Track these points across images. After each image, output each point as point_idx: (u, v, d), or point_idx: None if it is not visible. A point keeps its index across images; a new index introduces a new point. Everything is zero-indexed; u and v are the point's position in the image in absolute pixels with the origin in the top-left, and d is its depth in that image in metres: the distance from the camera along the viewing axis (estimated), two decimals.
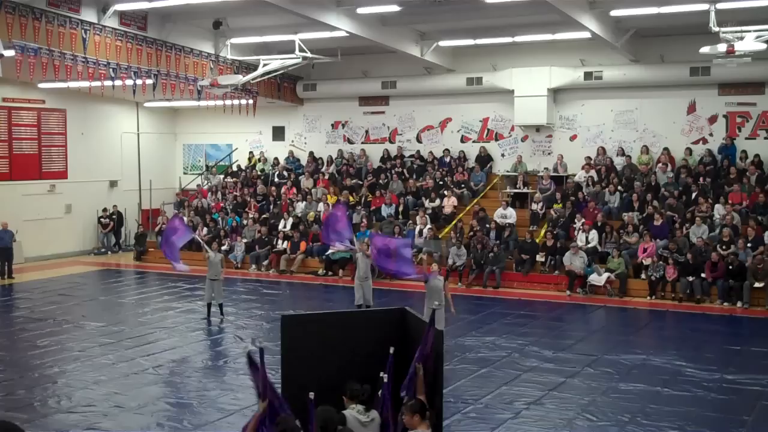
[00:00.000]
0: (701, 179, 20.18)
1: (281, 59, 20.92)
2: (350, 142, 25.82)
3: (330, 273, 20.97)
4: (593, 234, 19.36)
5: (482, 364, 12.34)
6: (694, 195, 19.78)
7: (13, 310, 17.10)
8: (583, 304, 17.72)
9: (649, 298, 17.88)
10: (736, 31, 15.69)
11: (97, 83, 18.89)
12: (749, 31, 15.62)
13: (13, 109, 23.12)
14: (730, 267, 17.28)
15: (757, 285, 16.92)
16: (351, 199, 23.27)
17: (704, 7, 16.11)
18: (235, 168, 27.37)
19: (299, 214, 23.14)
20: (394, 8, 17.75)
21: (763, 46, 15.62)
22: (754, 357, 13.02)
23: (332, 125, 26.10)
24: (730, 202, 19.16)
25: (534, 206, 21.21)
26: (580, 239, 19.34)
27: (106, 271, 22.50)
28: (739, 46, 15.52)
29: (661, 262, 18.05)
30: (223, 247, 21.89)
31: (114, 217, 25.46)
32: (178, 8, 18.91)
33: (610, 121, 22.29)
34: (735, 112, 20.91)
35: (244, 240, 22.61)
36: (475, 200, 22.39)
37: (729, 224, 18.35)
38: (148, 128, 27.62)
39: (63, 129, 24.56)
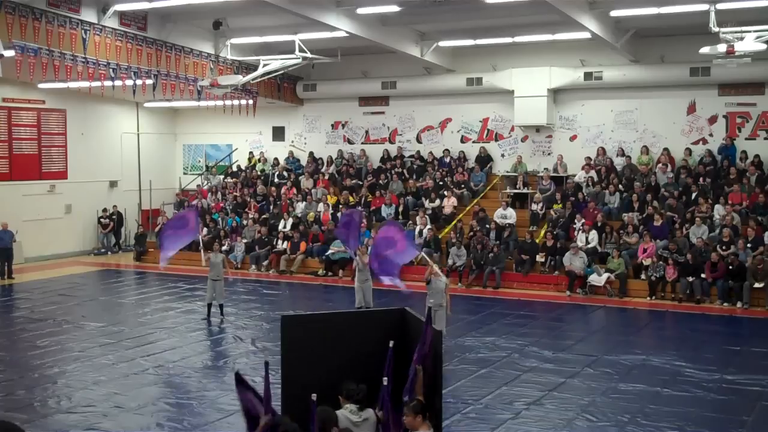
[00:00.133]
0: (701, 180, 20.19)
1: (281, 59, 20.92)
2: (350, 142, 25.82)
3: (330, 273, 20.98)
4: (593, 234, 19.37)
5: (482, 365, 12.34)
6: (694, 195, 19.78)
7: (13, 311, 17.10)
8: (582, 305, 17.72)
9: (649, 298, 17.88)
10: (736, 32, 15.70)
11: (97, 83, 18.90)
12: (749, 32, 15.63)
13: (13, 110, 23.13)
14: (730, 267, 17.29)
15: (756, 285, 16.92)
16: (351, 199, 23.27)
17: (704, 7, 16.11)
18: (235, 168, 27.37)
19: (299, 215, 23.15)
20: (394, 8, 17.76)
21: (763, 46, 15.62)
22: (753, 357, 13.03)
23: (332, 125, 26.10)
24: (730, 202, 19.16)
25: (534, 206, 21.21)
26: (580, 239, 19.34)
27: (106, 271, 22.50)
28: (739, 47, 15.52)
29: (661, 263, 18.05)
30: (224, 248, 21.87)
31: (114, 217, 25.47)
32: (178, 8, 18.92)
33: (610, 121, 22.30)
34: (735, 112, 20.92)
35: (244, 240, 22.61)
36: (475, 200, 22.39)
37: (729, 224, 18.36)
38: (148, 128, 27.63)
39: (63, 129, 24.56)
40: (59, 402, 10.58)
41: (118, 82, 19.15)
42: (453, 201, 22.19)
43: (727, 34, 15.69)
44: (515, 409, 10.22)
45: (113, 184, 26.15)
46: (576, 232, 19.67)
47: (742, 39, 15.60)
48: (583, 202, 20.76)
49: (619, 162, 21.81)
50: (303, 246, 21.85)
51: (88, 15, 18.05)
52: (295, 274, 21.37)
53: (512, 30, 20.16)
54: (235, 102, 23.10)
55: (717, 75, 19.87)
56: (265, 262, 21.99)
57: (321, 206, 23.32)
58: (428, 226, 20.99)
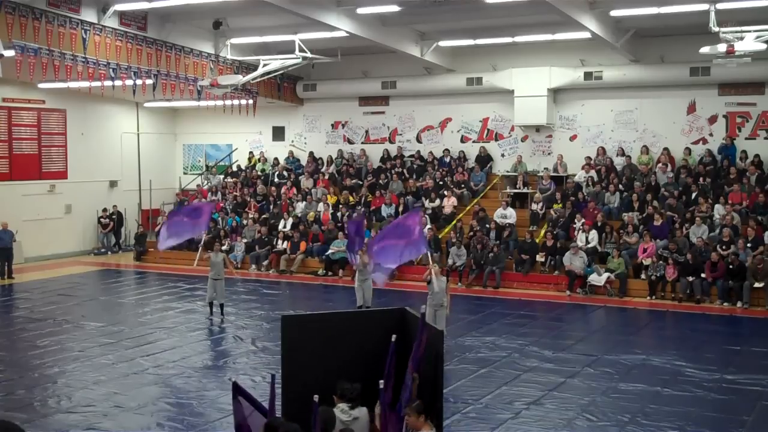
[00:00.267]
0: (701, 179, 20.19)
1: (281, 59, 20.92)
2: (350, 142, 25.82)
3: (330, 273, 20.98)
4: (593, 234, 19.37)
5: (482, 364, 12.34)
6: (694, 195, 19.78)
7: (13, 310, 17.10)
8: (583, 304, 17.72)
9: (649, 298, 17.88)
10: (736, 31, 15.70)
11: (97, 83, 18.90)
12: (749, 31, 15.63)
13: (13, 109, 23.13)
14: (730, 267, 17.29)
15: (756, 285, 16.93)
16: (351, 199, 23.28)
17: (704, 7, 16.11)
18: (235, 168, 27.37)
19: (299, 214, 23.15)
20: (394, 8, 17.76)
21: (763, 46, 15.62)
22: (754, 357, 13.03)
23: (332, 125, 26.10)
24: (730, 202, 19.16)
25: (534, 206, 21.21)
26: (580, 239, 19.34)
27: (106, 271, 22.50)
28: (739, 46, 15.52)
29: (661, 262, 18.05)
30: (224, 247, 21.84)
31: (114, 217, 25.46)
32: (178, 8, 18.91)
33: (610, 121, 22.29)
34: (735, 112, 20.92)
35: (244, 240, 22.62)
36: (475, 200, 22.39)
37: (729, 224, 18.36)
38: (148, 128, 27.63)
39: (63, 129, 24.56)
40: (59, 402, 10.58)
41: (118, 82, 19.15)
42: (453, 201, 22.18)
43: (727, 34, 15.69)
44: (515, 409, 10.22)
45: (113, 184, 26.15)
46: (576, 232, 19.67)
47: (742, 39, 15.60)
48: (583, 201, 20.76)
49: (619, 162, 21.81)
50: (303, 246, 21.85)
51: (88, 15, 18.05)
52: (295, 274, 21.37)
53: (512, 30, 20.16)
54: (235, 102, 23.10)
55: (717, 75, 19.87)
56: (265, 262, 21.99)
57: (321, 206, 23.32)
58: (428, 226, 20.97)
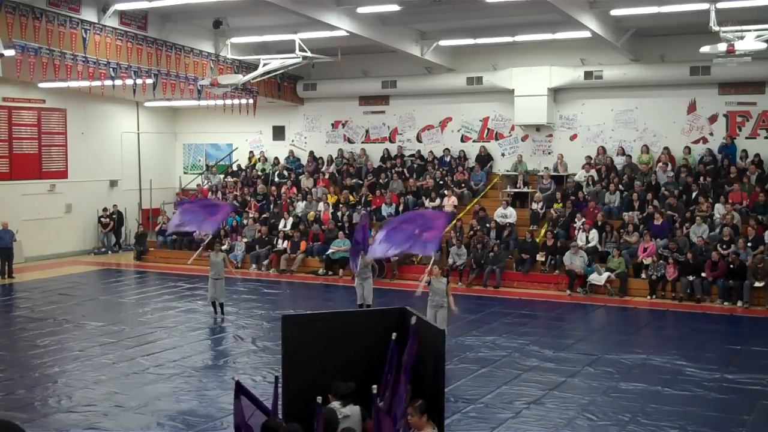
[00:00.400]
0: (701, 179, 20.19)
1: (281, 59, 20.92)
2: (350, 141, 25.82)
3: (330, 272, 20.98)
4: (593, 233, 19.36)
5: (482, 364, 12.34)
6: (694, 194, 19.78)
7: (14, 310, 17.10)
8: (583, 304, 17.72)
9: (649, 297, 17.88)
10: (737, 31, 15.69)
11: (98, 83, 18.89)
12: (749, 31, 15.63)
13: (14, 109, 23.13)
14: (731, 266, 17.28)
15: (757, 284, 16.92)
16: (351, 198, 23.28)
17: (704, 6, 16.10)
18: (235, 167, 27.37)
19: (299, 214, 23.15)
20: (394, 8, 17.74)
21: (764, 45, 15.61)
22: (754, 356, 13.03)
23: (332, 125, 26.09)
24: (730, 201, 19.16)
25: (534, 206, 21.21)
26: (581, 239, 19.34)
27: (107, 270, 22.50)
28: (740, 46, 15.52)
29: (661, 262, 18.05)
30: (224, 247, 21.85)
31: (114, 216, 25.47)
32: (178, 8, 18.90)
33: (611, 120, 22.28)
34: (735, 111, 20.91)
35: (245, 239, 22.62)
36: (476, 200, 22.39)
37: (729, 224, 18.35)
38: (148, 128, 27.63)
39: (63, 128, 24.56)
40: (59, 401, 10.58)
41: (118, 82, 19.14)
42: (453, 200, 22.17)
43: (728, 33, 15.68)
44: (516, 409, 10.22)
45: (113, 183, 26.15)
46: (576, 231, 19.67)
47: (742, 38, 15.59)
48: (584, 201, 20.75)
49: (619, 161, 21.81)
50: (303, 245, 21.85)
51: (89, 14, 18.04)
52: (296, 274, 21.37)
53: (512, 29, 20.15)
54: (236, 101, 23.09)
55: (717, 74, 19.85)
56: (266, 262, 21.99)
57: (321, 205, 23.32)
58: None
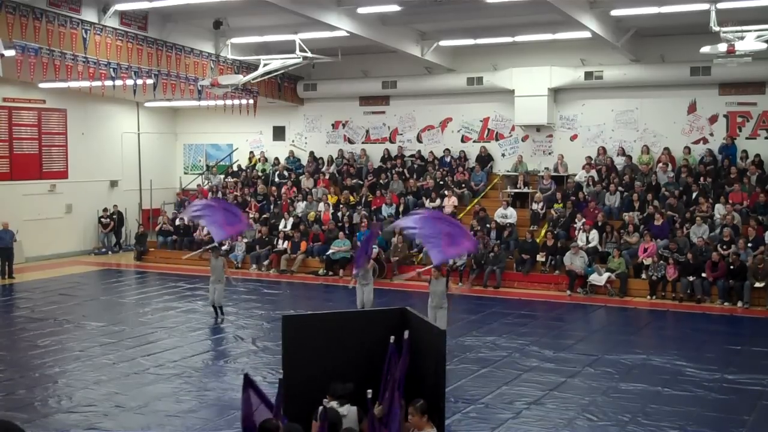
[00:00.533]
0: (702, 179, 20.19)
1: (282, 59, 20.93)
2: (351, 141, 25.82)
3: (330, 273, 20.97)
4: (594, 234, 19.36)
5: (483, 364, 12.34)
6: (694, 195, 19.78)
7: (14, 310, 17.10)
8: (583, 304, 17.72)
9: (649, 297, 17.88)
10: (737, 31, 15.70)
11: (98, 83, 18.90)
12: (750, 31, 15.63)
13: (14, 109, 23.13)
14: (731, 267, 17.28)
15: (757, 285, 16.92)
16: (351, 199, 23.28)
17: (705, 6, 16.10)
18: (235, 168, 27.37)
19: (300, 214, 23.15)
20: (395, 8, 17.74)
21: (764, 45, 15.62)
22: (754, 357, 13.03)
23: (333, 125, 26.10)
24: (730, 201, 19.16)
25: (534, 206, 21.21)
26: (581, 239, 19.34)
27: (107, 271, 22.50)
28: (740, 46, 15.53)
29: (661, 262, 18.05)
30: (224, 247, 21.87)
31: (114, 217, 25.47)
32: (178, 8, 18.90)
33: (611, 120, 22.28)
34: (735, 111, 20.91)
35: (245, 240, 22.61)
36: (476, 200, 22.39)
37: (729, 224, 18.35)
38: (148, 128, 27.63)
39: (63, 129, 24.56)
40: (60, 401, 10.58)
41: (118, 82, 19.15)
42: (453, 200, 22.17)
43: (728, 34, 15.69)
44: (516, 409, 10.22)
45: (114, 183, 26.15)
46: (576, 232, 19.67)
47: (742, 38, 15.60)
48: (584, 201, 20.75)
49: (619, 161, 21.80)
50: (303, 245, 21.85)
51: (89, 15, 18.04)
52: (296, 274, 21.37)
53: (513, 29, 20.15)
54: (236, 102, 23.09)
55: (717, 74, 19.86)
56: (266, 262, 21.98)
57: (321, 206, 23.32)
58: None
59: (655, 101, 21.68)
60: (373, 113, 25.40)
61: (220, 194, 25.56)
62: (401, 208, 22.30)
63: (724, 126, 21.02)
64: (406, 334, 6.61)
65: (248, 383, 6.01)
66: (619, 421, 9.80)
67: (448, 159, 23.84)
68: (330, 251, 21.11)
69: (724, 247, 17.84)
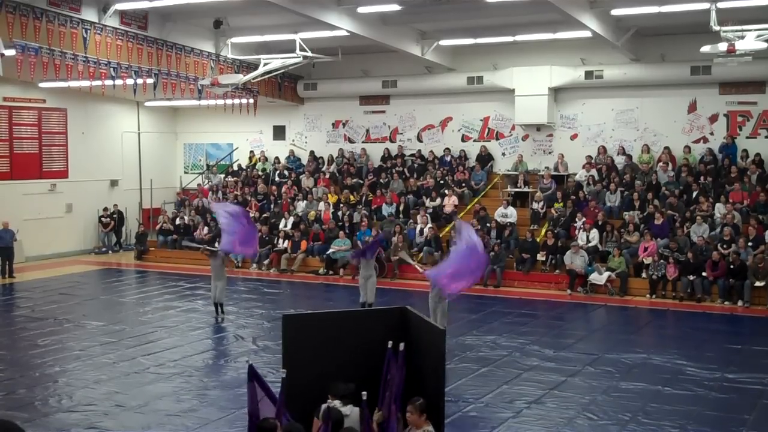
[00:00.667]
0: (702, 178, 20.19)
1: (282, 58, 20.93)
2: (351, 141, 25.81)
3: (331, 272, 20.97)
4: (594, 233, 19.36)
5: (483, 363, 12.34)
6: (694, 194, 19.78)
7: (14, 310, 17.10)
8: (583, 303, 17.72)
9: (649, 297, 17.88)
10: (737, 30, 15.69)
11: (98, 82, 18.89)
12: (750, 30, 15.62)
13: (14, 109, 23.13)
14: (731, 266, 17.28)
15: (757, 284, 16.93)
16: (352, 198, 23.27)
17: (705, 6, 16.09)
18: (235, 167, 27.38)
19: (300, 213, 23.15)
20: (395, 7, 17.74)
21: (764, 45, 15.61)
22: (754, 356, 13.03)
23: (333, 124, 26.09)
24: (730, 201, 19.15)
25: (535, 205, 21.21)
26: (581, 238, 19.34)
27: (107, 270, 22.50)
28: (740, 45, 15.52)
29: (662, 261, 18.05)
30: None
31: (115, 216, 25.47)
32: (178, 7, 18.89)
33: (611, 120, 22.28)
34: (736, 111, 20.90)
35: None
36: (476, 199, 22.39)
37: (730, 223, 18.35)
38: (148, 127, 27.63)
39: (63, 128, 24.56)
40: (60, 401, 10.58)
41: (118, 81, 19.14)
42: (454, 200, 22.18)
43: (728, 33, 15.68)
44: (516, 408, 10.22)
45: (114, 183, 26.15)
46: (577, 231, 19.67)
47: (742, 38, 15.59)
48: (584, 200, 20.75)
49: (619, 161, 21.80)
50: (304, 245, 21.85)
51: (89, 14, 18.04)
52: (296, 273, 21.37)
53: (513, 29, 20.14)
54: (236, 101, 23.10)
55: (718, 74, 19.85)
56: (266, 261, 21.98)
57: (322, 205, 23.32)
58: (429, 225, 20.99)
59: (656, 100, 21.67)
60: (374, 112, 25.40)
61: (220, 193, 25.59)
62: (401, 208, 22.32)
63: (725, 125, 21.02)
64: (402, 346, 6.58)
65: (252, 375, 6.03)
66: (620, 420, 9.80)
67: (448, 158, 23.84)
68: (330, 250, 21.11)
69: (725, 246, 17.84)
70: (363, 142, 25.58)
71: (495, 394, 10.83)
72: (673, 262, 17.81)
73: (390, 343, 6.67)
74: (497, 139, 23.73)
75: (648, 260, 18.25)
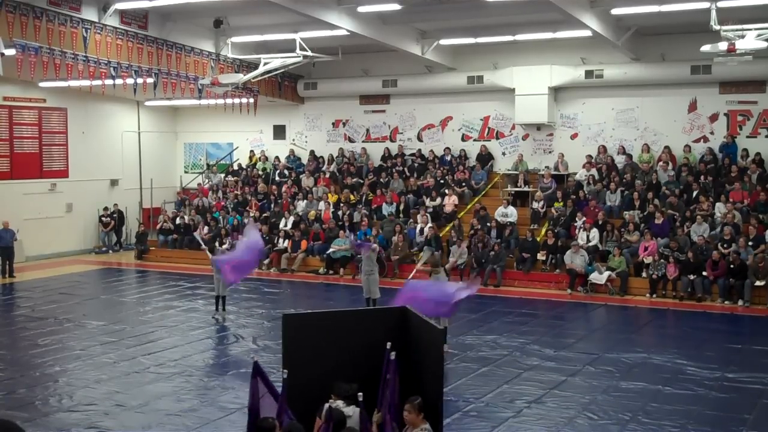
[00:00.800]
0: (702, 178, 20.18)
1: (282, 58, 20.93)
2: (351, 140, 25.81)
3: (331, 272, 20.97)
4: (594, 232, 19.36)
5: (483, 363, 12.35)
6: (695, 193, 19.77)
7: (15, 309, 17.11)
8: (584, 303, 17.72)
9: (650, 296, 17.87)
10: (737, 30, 15.68)
11: (98, 82, 18.89)
12: (750, 30, 15.61)
13: (14, 108, 23.14)
14: (731, 265, 17.28)
15: (758, 283, 16.93)
16: (352, 197, 23.27)
17: (705, 5, 16.08)
18: (236, 167, 27.38)
19: (300, 213, 23.15)
20: (395, 7, 17.73)
21: (764, 44, 15.59)
22: (755, 355, 13.03)
23: (333, 124, 26.09)
24: (731, 200, 19.15)
25: (535, 205, 21.21)
26: (581, 238, 19.33)
27: (107, 269, 22.51)
28: (740, 45, 15.51)
29: (662, 261, 18.04)
30: (224, 246, 21.83)
31: (115, 215, 25.48)
32: (178, 7, 18.88)
33: (611, 119, 22.27)
34: (736, 110, 20.89)
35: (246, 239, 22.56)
36: (476, 199, 22.39)
37: (730, 222, 18.35)
38: (148, 127, 27.64)
39: (64, 128, 24.56)
40: (60, 400, 10.59)
41: (118, 81, 19.14)
42: (454, 199, 22.18)
43: (728, 32, 15.67)
44: (516, 408, 10.23)
45: (114, 182, 26.15)
46: (577, 231, 19.67)
47: (743, 37, 15.58)
48: (584, 200, 20.75)
49: (620, 160, 21.79)
50: (304, 244, 21.86)
51: (89, 14, 18.04)
52: (296, 273, 21.37)
53: (513, 28, 20.14)
54: (236, 100, 23.10)
55: (718, 73, 19.84)
56: (266, 261, 21.97)
57: (322, 204, 23.33)
58: (429, 225, 20.99)
59: (656, 100, 21.66)
60: (374, 112, 25.39)
61: (220, 193, 25.58)
62: (401, 207, 22.32)
63: (725, 124, 21.01)
64: (393, 354, 6.54)
65: (256, 370, 6.05)
66: (620, 419, 9.80)
67: (448, 158, 23.84)
68: (330, 250, 21.11)
69: (725, 245, 17.84)
70: (363, 141, 25.57)
71: (495, 393, 10.83)
72: (674, 262, 17.80)
73: (389, 344, 6.67)
74: (497, 138, 23.72)
75: (648, 260, 18.25)
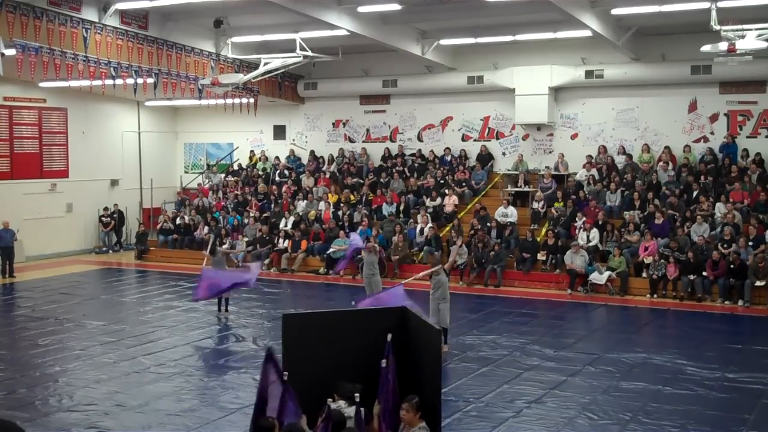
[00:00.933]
0: (702, 178, 20.18)
1: (282, 58, 20.92)
2: (351, 140, 25.81)
3: (331, 272, 20.96)
4: (594, 232, 19.36)
5: (483, 363, 12.34)
6: (695, 193, 19.77)
7: (15, 309, 17.11)
8: (584, 303, 17.71)
9: (650, 296, 17.87)
10: (738, 30, 15.67)
11: (98, 82, 18.89)
12: (750, 30, 15.61)
13: (15, 108, 23.14)
14: (732, 265, 17.28)
15: (758, 283, 16.93)
16: (352, 197, 23.27)
17: (705, 5, 16.08)
18: (236, 167, 27.38)
19: (300, 213, 23.15)
20: (395, 7, 17.73)
21: (765, 44, 15.59)
22: (755, 355, 13.03)
23: (333, 124, 26.09)
24: (731, 200, 19.15)
25: (535, 205, 21.21)
26: (581, 238, 19.33)
27: (107, 270, 22.51)
28: (741, 45, 15.50)
29: (662, 261, 18.04)
30: (224, 246, 21.86)
31: (115, 215, 25.48)
32: (179, 7, 18.88)
33: (611, 119, 22.27)
34: (736, 110, 20.89)
35: (246, 239, 22.61)
36: (476, 199, 22.39)
37: (730, 223, 18.35)
38: (149, 127, 27.64)
39: (64, 128, 24.57)
40: (60, 400, 10.59)
41: (119, 81, 19.14)
42: (454, 199, 22.18)
43: (729, 32, 15.67)
44: (516, 408, 10.22)
45: (114, 182, 26.16)
46: (577, 231, 19.67)
47: (743, 37, 15.58)
48: (584, 200, 20.74)
49: (620, 160, 21.79)
50: (304, 244, 21.86)
51: (89, 14, 18.04)
52: (296, 273, 21.37)
53: (513, 28, 20.14)
54: (236, 100, 23.09)
55: (718, 73, 19.84)
56: (267, 261, 21.97)
57: (322, 205, 23.33)
58: (429, 225, 20.99)
59: (656, 100, 21.66)
60: (374, 112, 25.40)
61: (220, 193, 25.58)
62: (402, 207, 22.31)
63: (725, 124, 21.01)
64: (384, 362, 6.54)
65: (269, 358, 6.08)
66: (620, 419, 9.80)
67: (448, 158, 23.83)
68: (330, 250, 21.12)
69: (725, 245, 17.84)
70: (363, 141, 25.57)
71: (495, 393, 10.83)
72: (674, 262, 17.80)
73: (389, 336, 6.68)
74: (497, 138, 23.72)
75: (648, 260, 18.25)
